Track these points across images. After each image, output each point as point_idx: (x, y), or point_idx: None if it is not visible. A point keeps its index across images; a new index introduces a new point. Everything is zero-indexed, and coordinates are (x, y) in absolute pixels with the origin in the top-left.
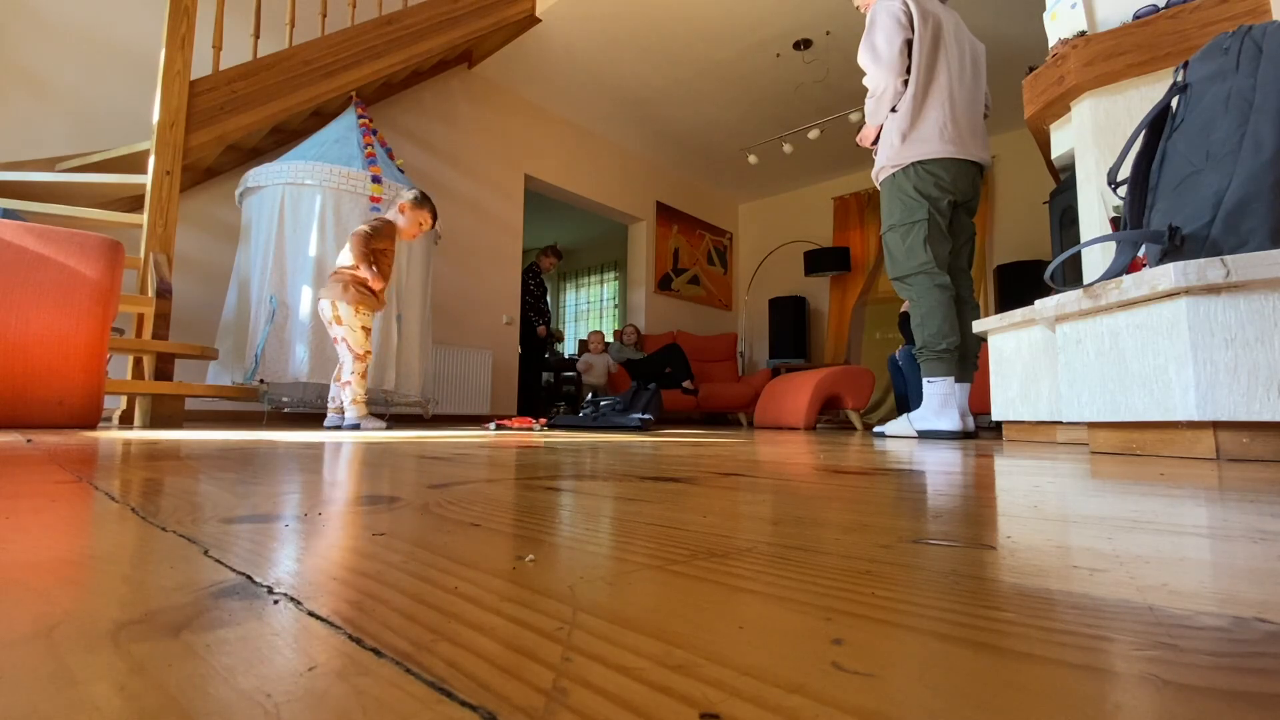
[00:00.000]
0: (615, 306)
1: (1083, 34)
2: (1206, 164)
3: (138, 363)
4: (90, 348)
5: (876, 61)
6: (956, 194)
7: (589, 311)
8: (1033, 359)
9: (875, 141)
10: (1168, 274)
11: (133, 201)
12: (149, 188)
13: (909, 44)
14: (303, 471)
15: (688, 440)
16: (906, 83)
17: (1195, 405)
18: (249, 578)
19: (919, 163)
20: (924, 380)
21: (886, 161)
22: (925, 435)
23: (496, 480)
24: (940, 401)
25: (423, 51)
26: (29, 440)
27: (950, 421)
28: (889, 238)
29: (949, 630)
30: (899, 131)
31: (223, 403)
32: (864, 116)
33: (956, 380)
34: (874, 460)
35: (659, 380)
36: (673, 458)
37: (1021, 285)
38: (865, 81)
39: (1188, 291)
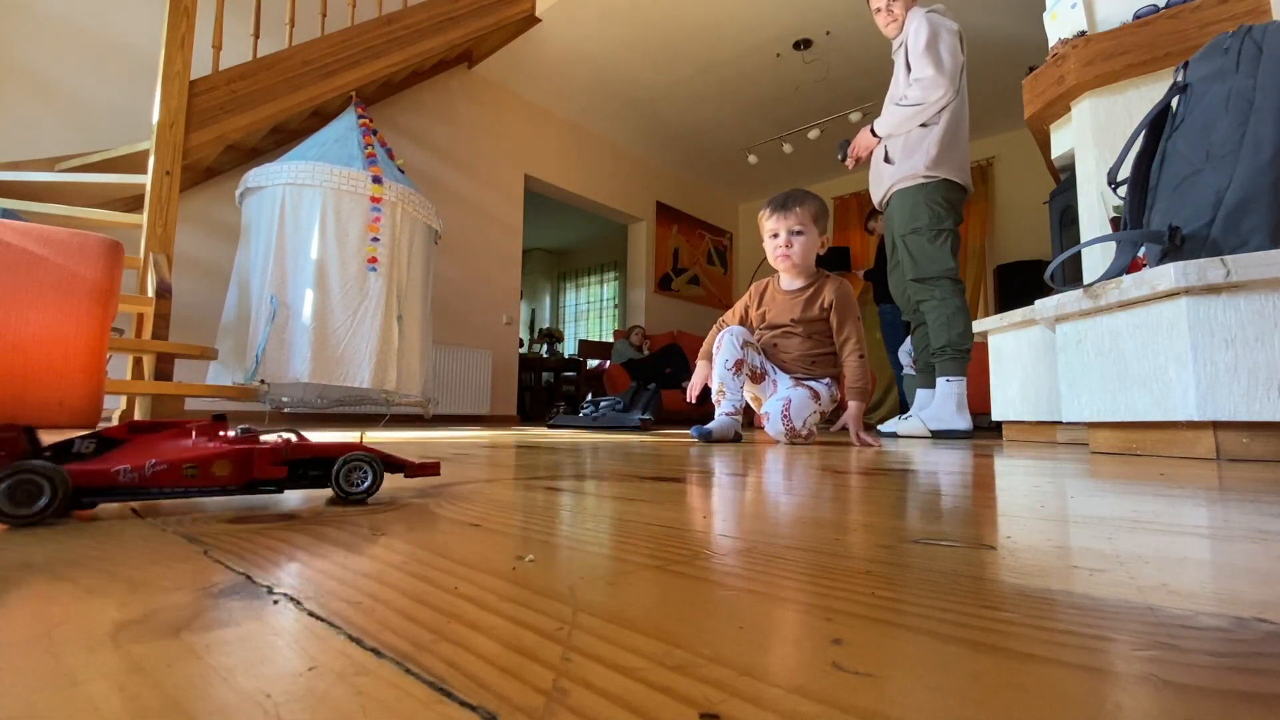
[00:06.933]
0: (615, 306)
1: (1083, 34)
2: (1206, 164)
3: (138, 363)
4: (90, 348)
5: (941, 71)
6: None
7: (589, 311)
8: (1033, 359)
9: (867, 155)
10: (1168, 274)
11: (133, 201)
12: (149, 188)
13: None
14: None
15: (688, 440)
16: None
17: (1195, 405)
18: (249, 578)
19: (950, 180)
20: (942, 380)
21: (915, 170)
22: (941, 435)
23: (496, 480)
24: (957, 402)
25: (423, 51)
26: None
27: (965, 421)
28: (912, 240)
29: (949, 630)
30: (936, 144)
31: (223, 403)
32: (866, 119)
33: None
34: (874, 460)
35: (659, 380)
36: (673, 457)
37: (1021, 285)
38: (912, 91)
39: (1188, 291)
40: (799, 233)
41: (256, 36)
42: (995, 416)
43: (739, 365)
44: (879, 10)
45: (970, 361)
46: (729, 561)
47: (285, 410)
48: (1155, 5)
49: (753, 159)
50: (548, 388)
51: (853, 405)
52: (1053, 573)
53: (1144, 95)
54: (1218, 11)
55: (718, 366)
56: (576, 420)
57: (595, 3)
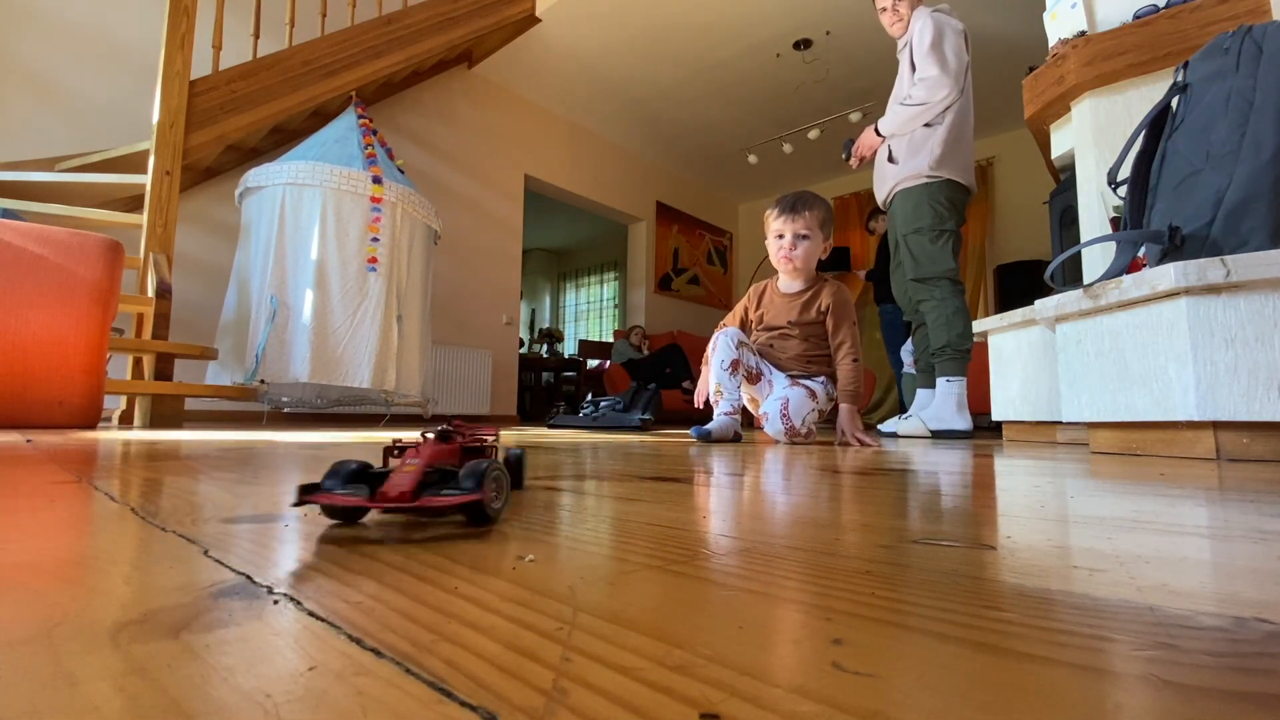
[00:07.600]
0: (615, 306)
1: (1083, 34)
2: (1206, 164)
3: (137, 363)
4: (90, 348)
5: (946, 71)
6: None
7: (589, 311)
8: (1033, 359)
9: (871, 154)
10: (1168, 274)
11: (133, 201)
12: (149, 188)
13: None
14: (302, 471)
15: (687, 441)
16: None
17: (1195, 405)
18: (249, 578)
19: (954, 180)
20: (942, 380)
21: (918, 170)
22: (941, 435)
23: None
24: (957, 402)
25: (423, 51)
26: (29, 440)
27: (965, 421)
28: (913, 240)
29: (949, 630)
30: (940, 144)
31: (222, 403)
32: (867, 119)
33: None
34: (873, 460)
35: (659, 380)
36: (672, 458)
37: (1021, 285)
38: (917, 90)
39: (1188, 291)
40: (804, 237)
41: (256, 36)
42: (995, 416)
43: (735, 365)
44: (884, 9)
45: (970, 362)
46: (729, 561)
47: (284, 410)
48: (1155, 5)
49: (753, 159)
50: (548, 388)
51: (844, 408)
52: (1053, 573)
53: (1144, 95)
54: (1218, 11)
55: (714, 367)
56: (576, 420)
57: (595, 3)
